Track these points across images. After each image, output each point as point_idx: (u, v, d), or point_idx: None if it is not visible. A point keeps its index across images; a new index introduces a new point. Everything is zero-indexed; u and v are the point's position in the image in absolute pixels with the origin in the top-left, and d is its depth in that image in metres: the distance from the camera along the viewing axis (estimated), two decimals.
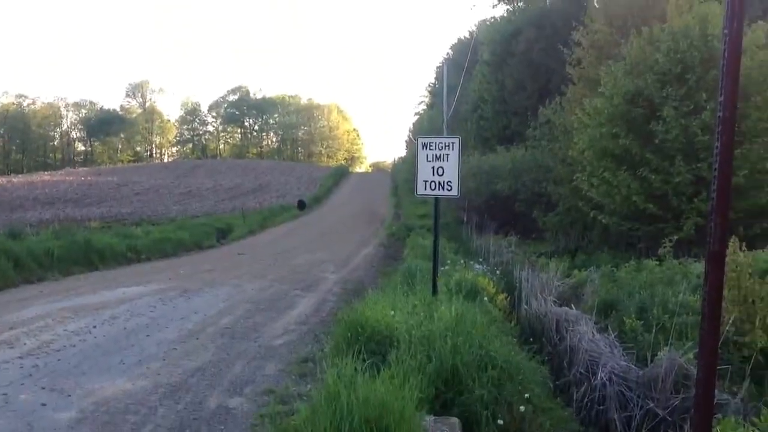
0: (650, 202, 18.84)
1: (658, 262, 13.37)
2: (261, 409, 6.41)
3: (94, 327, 9.92)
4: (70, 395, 6.69)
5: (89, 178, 74.31)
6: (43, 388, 6.88)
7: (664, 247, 13.94)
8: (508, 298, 12.90)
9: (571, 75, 29.70)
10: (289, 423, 4.93)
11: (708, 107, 17.68)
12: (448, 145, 9.79)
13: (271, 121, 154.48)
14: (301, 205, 52.61)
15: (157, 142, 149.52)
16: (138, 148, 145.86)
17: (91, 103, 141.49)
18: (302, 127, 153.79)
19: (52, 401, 6.49)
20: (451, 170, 9.74)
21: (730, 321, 8.51)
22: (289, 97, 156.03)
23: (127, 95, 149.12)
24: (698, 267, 12.28)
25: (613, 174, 19.92)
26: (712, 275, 3.30)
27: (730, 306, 8.77)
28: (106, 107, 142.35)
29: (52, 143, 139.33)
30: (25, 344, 8.75)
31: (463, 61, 41.46)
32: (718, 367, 3.96)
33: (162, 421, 6.05)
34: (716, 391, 4.97)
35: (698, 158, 18.10)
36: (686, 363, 7.69)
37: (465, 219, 32.83)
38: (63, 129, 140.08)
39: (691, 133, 17.95)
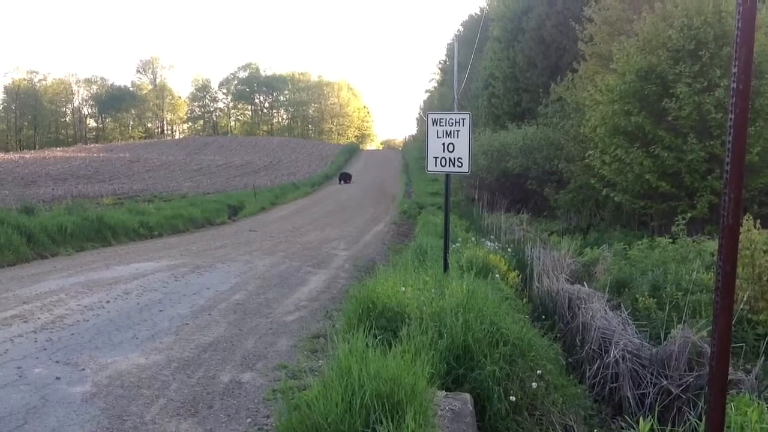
0: (663, 180, 18.72)
1: (671, 240, 13.31)
2: (273, 383, 6.42)
3: (107, 302, 9.96)
4: (84, 369, 6.72)
5: (101, 154, 74.58)
6: (57, 362, 6.91)
7: (678, 225, 13.87)
8: (520, 276, 12.88)
9: (583, 52, 29.46)
10: (301, 398, 4.93)
11: (722, 84, 17.50)
12: (459, 121, 9.74)
13: (282, 98, 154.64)
14: (345, 178, 52.95)
15: (168, 119, 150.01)
16: (149, 125, 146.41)
17: (102, 79, 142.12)
18: (312, 105, 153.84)
19: (66, 375, 6.52)
20: (462, 147, 9.70)
21: (744, 299, 8.48)
22: (299, 74, 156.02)
23: (138, 71, 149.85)
24: (712, 245, 12.22)
25: (625, 151, 19.79)
26: (726, 248, 3.25)
27: (743, 284, 8.74)
28: (116, 84, 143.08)
29: (63, 119, 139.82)
30: (38, 318, 8.79)
31: (474, 38, 41.09)
32: (732, 345, 3.93)
33: (175, 395, 6.08)
34: (730, 368, 4.94)
35: (711, 135, 17.96)
36: (700, 340, 7.68)
37: (476, 197, 32.75)
38: (74, 105, 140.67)
39: (704, 111, 17.79)
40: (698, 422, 5.23)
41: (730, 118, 3.15)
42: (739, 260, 8.01)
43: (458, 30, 75.35)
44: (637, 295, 10.15)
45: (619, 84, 20.40)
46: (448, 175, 10.39)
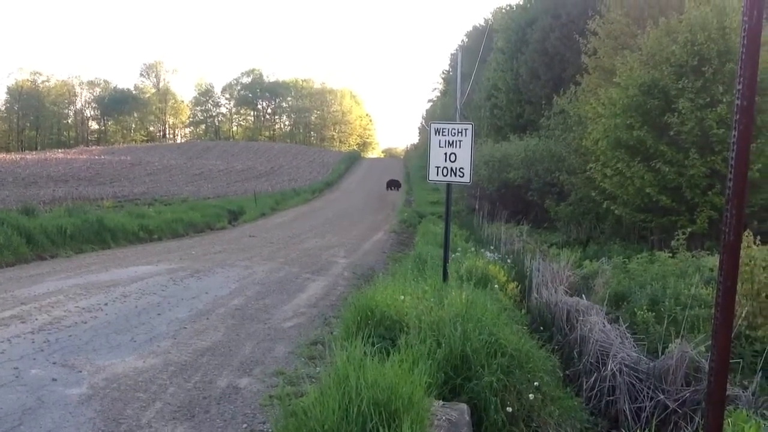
0: (663, 195, 18.72)
1: (670, 255, 13.30)
2: (270, 389, 6.42)
3: (106, 304, 9.97)
4: (80, 371, 6.72)
5: (102, 156, 74.53)
6: (54, 364, 6.91)
7: (677, 239, 13.86)
8: (519, 287, 12.86)
9: (586, 65, 29.52)
10: (298, 404, 4.93)
11: (724, 100, 17.51)
12: (461, 132, 9.75)
13: (284, 104, 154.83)
14: (393, 185, 52.69)
15: (171, 123, 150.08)
16: (151, 128, 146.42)
17: (105, 81, 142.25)
18: (315, 111, 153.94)
19: (63, 377, 6.52)
20: (464, 157, 9.72)
21: (743, 315, 8.48)
22: (302, 80, 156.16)
23: (141, 75, 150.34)
24: (711, 260, 12.21)
25: (626, 165, 19.80)
26: (727, 265, 3.26)
27: (742, 300, 8.74)
28: (120, 86, 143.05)
29: (65, 121, 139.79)
30: (36, 319, 8.80)
31: (477, 49, 41.18)
32: (730, 361, 3.93)
33: (171, 399, 6.08)
34: (728, 384, 4.94)
35: (713, 151, 17.95)
36: (698, 355, 7.67)
37: (476, 207, 32.77)
38: (77, 107, 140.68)
39: (706, 126, 17.79)
40: None
41: (734, 135, 3.16)
42: (739, 276, 8.02)
43: (462, 40, 75.66)
44: (635, 309, 10.14)
45: (621, 97, 20.43)
46: (449, 185, 10.41)
